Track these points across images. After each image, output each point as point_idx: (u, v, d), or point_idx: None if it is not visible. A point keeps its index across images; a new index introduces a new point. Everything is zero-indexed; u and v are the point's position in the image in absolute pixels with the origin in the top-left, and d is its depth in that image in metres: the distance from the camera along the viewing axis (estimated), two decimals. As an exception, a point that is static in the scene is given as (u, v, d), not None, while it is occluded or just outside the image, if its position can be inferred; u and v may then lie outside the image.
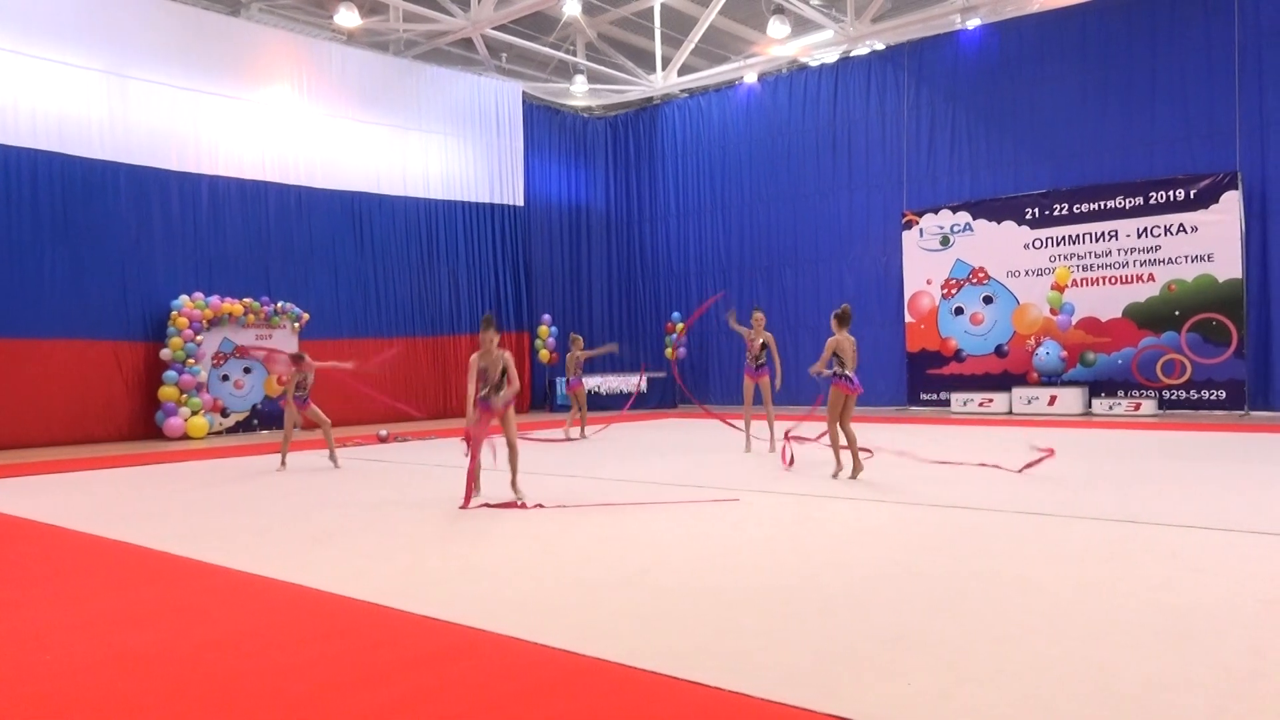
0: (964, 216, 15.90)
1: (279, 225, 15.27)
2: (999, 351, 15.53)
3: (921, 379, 16.29)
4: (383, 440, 12.16)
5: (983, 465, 8.00)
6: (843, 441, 7.48)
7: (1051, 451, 7.96)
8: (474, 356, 6.63)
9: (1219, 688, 2.78)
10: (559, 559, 4.70)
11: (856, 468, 7.37)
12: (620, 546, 4.99)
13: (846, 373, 7.32)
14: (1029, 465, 7.57)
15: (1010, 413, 14.70)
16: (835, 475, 7.41)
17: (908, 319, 16.52)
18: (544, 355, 18.61)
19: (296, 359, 9.45)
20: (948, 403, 15.70)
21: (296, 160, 15.53)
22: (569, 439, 11.94)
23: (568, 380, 12.62)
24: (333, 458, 9.53)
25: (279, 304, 14.62)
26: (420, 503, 6.80)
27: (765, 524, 5.57)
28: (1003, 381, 15.30)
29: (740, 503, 6.39)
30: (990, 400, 15.05)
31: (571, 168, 20.62)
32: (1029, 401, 14.61)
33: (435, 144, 17.56)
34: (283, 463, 9.35)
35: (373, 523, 5.97)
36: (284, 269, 15.27)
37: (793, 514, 5.89)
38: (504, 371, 6.65)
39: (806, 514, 5.88)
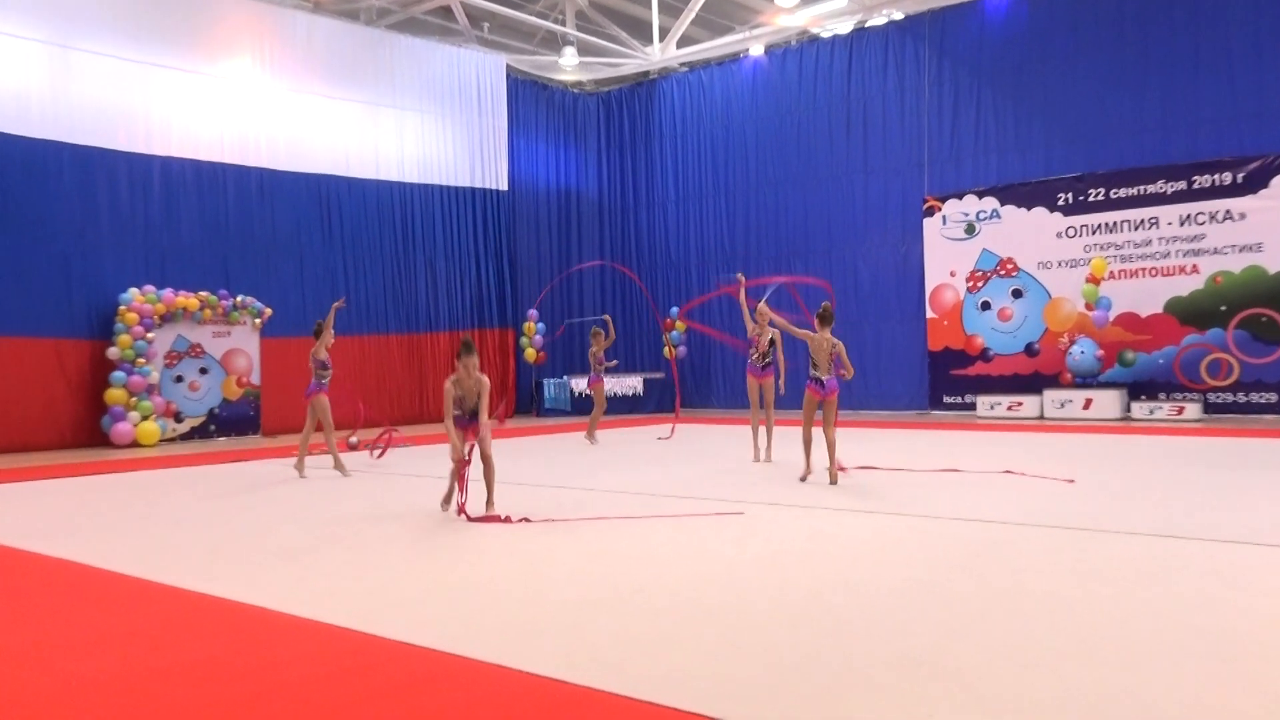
0: (991, 202, 15.94)
1: (238, 211, 15.26)
2: (1029, 350, 15.58)
3: (944, 380, 16.33)
4: (353, 448, 12.15)
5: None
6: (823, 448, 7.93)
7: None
8: (450, 383, 6.57)
9: (1264, 718, 2.80)
10: (546, 578, 4.71)
11: (833, 474, 7.72)
12: (613, 564, 5.01)
13: (818, 375, 7.73)
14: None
15: (1041, 417, 14.74)
16: (804, 479, 7.85)
17: (929, 314, 16.56)
18: (530, 354, 18.59)
19: (317, 332, 9.34)
20: (973, 406, 15.74)
21: (258, 140, 15.53)
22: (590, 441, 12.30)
23: (589, 378, 12.89)
24: (300, 465, 9.52)
25: (238, 298, 14.62)
26: (394, 516, 6.80)
27: (771, 539, 5.59)
28: (1033, 383, 15.35)
29: (744, 516, 6.41)
30: (1019, 404, 15.10)
31: (560, 148, 20.62)
32: (1062, 405, 14.65)
33: (410, 122, 17.55)
34: (340, 464, 9.43)
35: (341, 538, 5.98)
36: (244, 260, 15.26)
37: (801, 528, 5.92)
38: (479, 399, 6.64)
39: (816, 528, 5.90)
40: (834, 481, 7.68)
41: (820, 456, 8.01)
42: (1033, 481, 7.72)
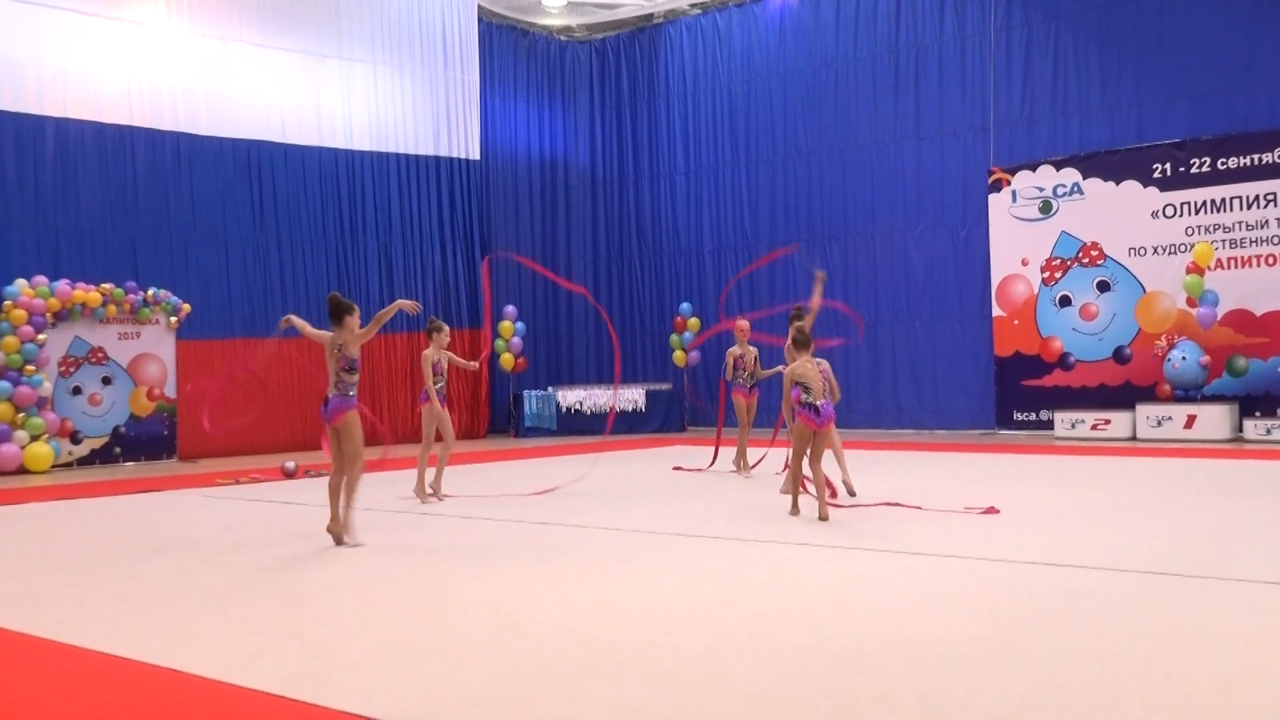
0: (1071, 175, 15.95)
1: (150, 185, 15.29)
2: (1119, 356, 15.58)
3: (1015, 393, 16.33)
4: (289, 475, 12.17)
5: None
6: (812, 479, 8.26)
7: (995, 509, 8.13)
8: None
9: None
10: (528, 634, 4.72)
11: (823, 510, 7.96)
12: (610, 617, 5.02)
13: (812, 401, 8.02)
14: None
15: (1134, 438, 14.73)
16: (792, 513, 8.14)
17: (996, 312, 16.57)
18: (507, 361, 18.62)
19: (434, 329, 9.81)
20: (1050, 424, 15.74)
21: (174, 98, 15.56)
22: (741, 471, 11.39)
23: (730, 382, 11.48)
24: (419, 488, 9.76)
25: (150, 291, 14.63)
26: (339, 559, 6.82)
27: (802, 587, 5.60)
28: (1123, 396, 15.34)
29: (771, 558, 6.43)
30: (1107, 422, 15.10)
31: (544, 109, 20.65)
32: (1159, 423, 14.65)
33: (360, 77, 17.59)
34: (425, 488, 9.68)
35: (276, 585, 5.99)
36: (156, 245, 15.28)
37: (840, 573, 5.93)
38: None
39: (858, 573, 5.91)
40: (823, 517, 7.89)
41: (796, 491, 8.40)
42: (1118, 516, 7.72)
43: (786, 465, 9.01)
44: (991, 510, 8.04)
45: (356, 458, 7.30)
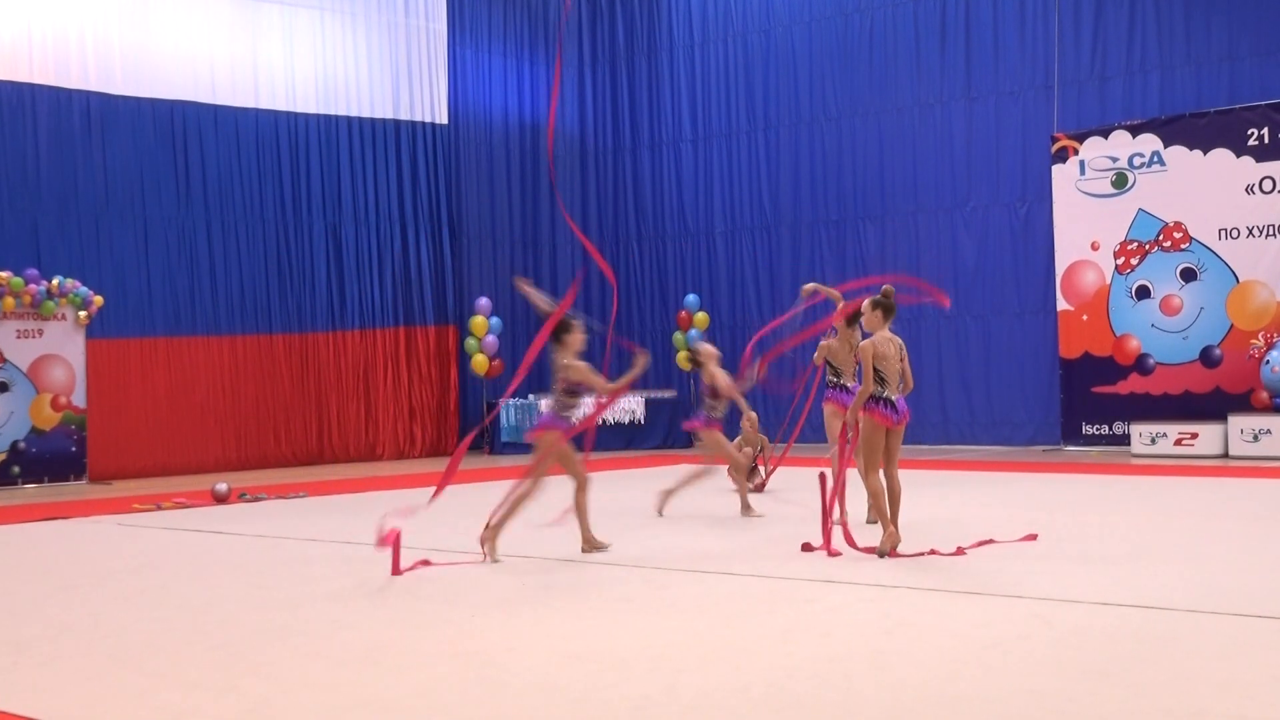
0: (1150, 142, 15.93)
1: (55, 155, 15.26)
2: (1207, 358, 15.55)
3: (1084, 401, 16.31)
4: (221, 500, 12.15)
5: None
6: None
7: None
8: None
9: None
10: (504, 689, 4.71)
11: (887, 536, 7.60)
12: (603, 669, 5.00)
13: (886, 394, 7.60)
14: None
15: (1225, 455, 14.71)
16: (883, 553, 7.55)
17: (1061, 305, 16.55)
18: (479, 363, 18.61)
19: (699, 360, 10.29)
20: (1125, 439, 15.71)
21: (82, 50, 15.53)
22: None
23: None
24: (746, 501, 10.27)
25: (55, 281, 14.60)
26: (281, 600, 6.81)
27: (832, 634, 5.59)
28: (1213, 405, 15.31)
29: (795, 598, 6.43)
30: (1193, 435, 15.06)
31: (525, 65, 20.61)
32: (1255, 437, 14.62)
33: (305, 24, 17.56)
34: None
35: (203, 631, 5.97)
36: (62, 225, 15.26)
37: (874, 617, 5.91)
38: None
39: (895, 617, 5.90)
40: (884, 554, 7.45)
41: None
42: (1208, 549, 7.71)
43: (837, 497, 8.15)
44: (1030, 538, 8.05)
45: (536, 480, 8.01)
